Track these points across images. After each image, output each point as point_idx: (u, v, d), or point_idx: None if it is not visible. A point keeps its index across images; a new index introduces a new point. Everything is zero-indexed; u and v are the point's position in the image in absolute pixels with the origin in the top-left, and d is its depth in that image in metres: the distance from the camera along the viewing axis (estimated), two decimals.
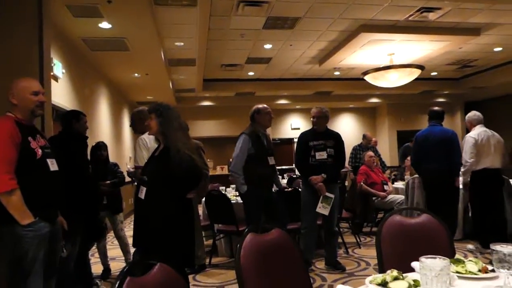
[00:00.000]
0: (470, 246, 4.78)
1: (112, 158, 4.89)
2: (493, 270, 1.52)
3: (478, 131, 4.71)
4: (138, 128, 3.88)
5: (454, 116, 12.58)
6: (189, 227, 2.61)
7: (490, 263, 1.46)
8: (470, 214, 5.10)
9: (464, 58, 8.73)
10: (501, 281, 1.43)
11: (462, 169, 4.68)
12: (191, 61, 7.55)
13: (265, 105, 4.16)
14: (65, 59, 5.17)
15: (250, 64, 8.67)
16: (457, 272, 1.57)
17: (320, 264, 4.45)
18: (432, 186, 4.75)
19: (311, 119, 4.31)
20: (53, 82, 4.45)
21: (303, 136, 4.37)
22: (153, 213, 2.50)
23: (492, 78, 10.08)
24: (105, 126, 7.46)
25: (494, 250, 1.38)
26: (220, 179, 8.87)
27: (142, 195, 2.54)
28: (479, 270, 1.57)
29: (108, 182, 4.16)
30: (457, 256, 1.71)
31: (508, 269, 1.36)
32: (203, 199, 5.03)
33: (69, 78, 5.36)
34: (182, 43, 6.53)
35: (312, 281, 3.87)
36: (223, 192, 5.38)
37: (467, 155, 4.60)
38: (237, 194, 4.75)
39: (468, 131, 4.92)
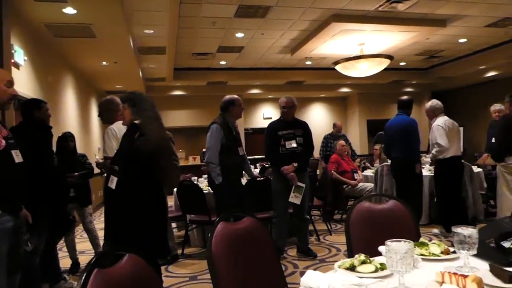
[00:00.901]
0: (435, 231, 4.98)
1: (80, 149, 4.74)
2: (454, 252, 1.59)
3: (443, 120, 4.87)
4: (106, 117, 3.77)
5: (422, 105, 12.91)
6: (162, 217, 2.57)
7: (452, 245, 1.52)
8: (435, 200, 5.29)
9: (431, 48, 8.96)
10: (461, 262, 1.49)
11: (434, 153, 4.78)
12: (162, 49, 7.40)
13: (237, 96, 4.17)
14: (27, 45, 4.94)
15: (222, 53, 8.59)
16: (421, 254, 1.63)
17: (292, 252, 4.52)
18: (397, 173, 4.96)
19: (281, 109, 4.33)
20: (14, 69, 4.26)
21: (272, 126, 4.39)
22: (125, 203, 2.45)
23: (458, 69, 10.43)
24: (72, 116, 7.23)
25: (455, 232, 1.44)
26: (193, 169, 8.80)
27: (112, 185, 2.48)
28: (442, 252, 1.63)
29: (76, 174, 4.03)
30: (421, 239, 1.78)
31: (467, 250, 1.42)
32: (175, 189, 4.98)
33: (32, 65, 5.13)
34: (151, 31, 6.37)
35: (284, 269, 3.95)
36: (196, 182, 5.34)
37: (442, 140, 4.70)
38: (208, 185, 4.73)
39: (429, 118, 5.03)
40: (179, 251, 4.59)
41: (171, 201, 6.18)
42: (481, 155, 6.44)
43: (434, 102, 5.02)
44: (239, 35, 7.31)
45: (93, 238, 4.29)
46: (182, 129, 11.75)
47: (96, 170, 4.42)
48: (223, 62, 9.48)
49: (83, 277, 1.17)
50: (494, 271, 1.36)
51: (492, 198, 5.73)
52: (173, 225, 5.73)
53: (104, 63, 7.36)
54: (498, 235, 1.63)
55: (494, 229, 1.70)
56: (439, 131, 4.77)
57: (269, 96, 12.30)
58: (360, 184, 6.06)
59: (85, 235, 4.53)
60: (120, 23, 5.30)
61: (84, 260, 4.43)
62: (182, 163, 11.28)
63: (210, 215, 4.35)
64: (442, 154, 4.74)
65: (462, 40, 8.31)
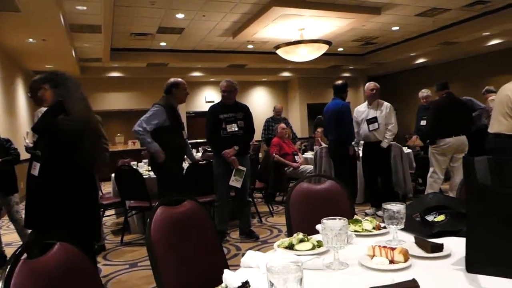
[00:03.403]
0: (368, 211, 5.27)
1: (4, 134, 4.38)
2: (385, 227, 1.70)
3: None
4: (39, 99, 3.50)
5: (358, 90, 13.51)
6: (92, 202, 2.45)
7: (384, 221, 1.62)
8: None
9: (367, 35, 9.34)
10: (391, 236, 1.60)
11: (389, 135, 5.00)
12: (96, 28, 6.97)
13: (182, 80, 4.06)
14: None
15: (162, 34, 8.30)
16: (355, 231, 1.72)
17: (235, 234, 4.57)
18: (333, 154, 5.22)
19: (222, 92, 4.30)
20: None
21: (213, 109, 4.35)
22: (50, 190, 2.30)
23: (391, 55, 11.00)
24: None
25: (385, 208, 1.54)
26: (132, 154, 8.51)
27: (35, 171, 2.31)
28: (374, 228, 1.73)
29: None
30: (356, 217, 1.87)
31: (396, 225, 1.52)
32: (113, 175, 4.80)
33: None
34: (84, 7, 5.97)
35: (227, 251, 4.00)
36: (135, 167, 5.17)
37: (396, 122, 5.02)
38: (150, 169, 4.61)
39: (369, 100, 5.21)
40: (119, 238, 4.45)
41: (109, 187, 5.97)
42: (411, 137, 6.89)
43: (375, 84, 5.12)
44: (180, 16, 7.09)
45: (20, 229, 4.01)
46: (121, 112, 11.27)
47: (25, 156, 4.11)
48: (163, 44, 9.16)
49: (7, 270, 1.08)
50: (419, 242, 1.47)
51: (420, 176, 6.18)
52: (112, 211, 5.55)
53: (30, 40, 6.79)
54: (423, 210, 1.77)
55: (420, 205, 1.83)
56: (394, 112, 5.03)
57: (211, 79, 12.16)
58: (301, 166, 6.24)
59: (12, 226, 4.23)
60: None
61: (11, 252, 4.15)
62: (120, 147, 10.91)
63: (151, 200, 4.25)
64: (394, 136, 5.04)
65: (395, 28, 8.74)
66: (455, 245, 1.43)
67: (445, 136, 4.72)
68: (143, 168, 5.22)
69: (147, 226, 1.66)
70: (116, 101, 11.04)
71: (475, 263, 1.23)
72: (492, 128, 3.72)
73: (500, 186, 1.22)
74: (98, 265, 3.72)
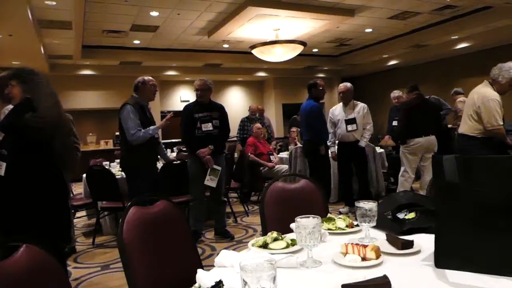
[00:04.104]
0: (342, 210, 5.35)
1: None
2: (357, 225, 1.72)
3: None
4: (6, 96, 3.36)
5: (333, 90, 13.69)
6: (62, 203, 2.38)
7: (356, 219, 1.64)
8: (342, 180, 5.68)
9: (341, 37, 9.48)
10: (363, 233, 1.62)
11: (368, 135, 5.08)
12: (67, 24, 6.78)
13: (150, 77, 3.98)
14: None
15: (135, 32, 8.15)
16: (329, 229, 1.74)
17: (210, 234, 4.54)
18: (306, 154, 5.30)
19: (195, 91, 4.27)
20: None
21: (188, 108, 4.31)
22: (17, 190, 2.21)
23: (364, 56, 11.21)
24: None
25: (358, 206, 1.56)
26: (104, 154, 8.31)
27: (1, 171, 2.22)
28: (347, 226, 1.76)
29: None
30: (329, 215, 1.89)
31: (368, 223, 1.55)
32: (84, 175, 4.67)
33: None
34: (54, 2, 5.79)
35: (201, 251, 3.97)
36: (107, 167, 5.06)
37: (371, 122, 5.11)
38: (120, 169, 4.52)
39: (344, 101, 5.28)
40: (90, 240, 4.34)
41: (80, 188, 5.81)
42: (384, 137, 7.04)
43: (349, 84, 5.18)
44: (154, 13, 6.99)
45: None
46: (93, 111, 11.00)
47: None
48: (137, 42, 9.01)
49: None
50: (390, 239, 1.51)
51: (392, 175, 6.33)
52: (83, 213, 5.41)
53: None
54: (394, 208, 1.81)
55: (391, 203, 1.87)
56: (369, 113, 5.11)
57: (186, 79, 12.05)
58: (277, 166, 6.26)
59: None
60: None
61: None
62: (92, 147, 10.65)
63: (124, 201, 4.17)
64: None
65: (368, 30, 8.91)
66: (425, 242, 1.47)
67: (415, 136, 4.85)
68: (116, 168, 5.12)
69: (119, 226, 1.63)
70: (88, 99, 10.76)
71: (443, 259, 1.27)
72: (460, 129, 3.87)
73: (466, 183, 1.26)
74: (68, 268, 3.62)
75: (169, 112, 11.89)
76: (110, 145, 10.64)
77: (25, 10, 5.46)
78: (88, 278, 3.45)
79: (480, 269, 1.19)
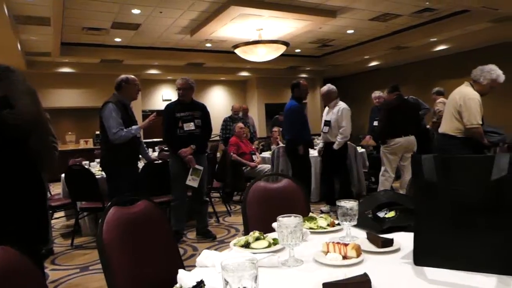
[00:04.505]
0: (323, 208, 5.40)
1: None
2: (339, 224, 1.74)
3: (345, 104, 5.20)
4: None
5: (315, 91, 13.80)
6: (39, 203, 2.31)
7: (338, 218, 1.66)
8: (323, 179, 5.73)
9: (323, 37, 9.56)
10: (344, 232, 1.64)
11: (341, 138, 5.07)
12: (45, 20, 6.62)
13: (133, 76, 3.93)
14: None
15: (116, 30, 8.03)
16: (310, 228, 1.75)
17: (192, 235, 4.51)
18: (287, 153, 5.32)
19: (177, 90, 4.23)
20: None
21: (170, 107, 4.27)
22: None
23: (346, 57, 11.33)
24: None
25: (339, 205, 1.57)
26: (84, 154, 8.16)
27: None
28: (328, 225, 1.77)
29: None
30: (311, 214, 1.90)
31: (349, 221, 1.56)
32: (63, 175, 4.58)
33: None
34: None
35: (183, 252, 3.94)
36: (87, 167, 4.97)
37: (348, 124, 5.06)
38: (101, 169, 4.44)
39: (324, 102, 5.36)
40: (69, 242, 4.26)
41: (58, 188, 5.69)
42: (365, 137, 7.13)
43: (330, 86, 5.25)
44: (136, 11, 6.90)
45: None
46: (72, 110, 10.79)
47: None
48: (118, 39, 8.87)
49: None
50: (371, 238, 1.52)
51: (373, 175, 6.41)
52: (62, 214, 5.30)
53: None
54: (375, 206, 1.83)
55: (372, 202, 1.89)
56: (348, 114, 5.09)
57: (168, 77, 11.94)
58: (259, 166, 6.27)
59: None
60: None
61: None
62: (72, 146, 10.44)
63: (104, 201, 4.10)
64: (347, 139, 5.13)
65: (350, 31, 9.01)
66: (405, 240, 1.49)
67: (395, 136, 4.93)
68: (96, 168, 5.03)
69: (99, 227, 1.60)
70: (67, 98, 10.54)
71: (422, 256, 1.29)
72: (441, 128, 3.93)
73: (445, 182, 1.28)
74: (46, 270, 3.54)
75: (150, 111, 11.84)
76: (90, 145, 10.45)
77: (1, 5, 5.32)
78: (66, 280, 3.38)
79: (458, 266, 1.22)
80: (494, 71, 3.63)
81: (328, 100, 5.23)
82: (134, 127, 3.78)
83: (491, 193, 1.21)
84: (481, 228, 1.22)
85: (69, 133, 10.72)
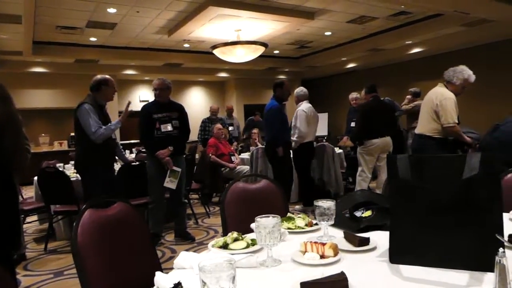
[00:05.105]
0: (297, 207, 5.45)
1: None
2: (317, 224, 1.75)
3: (307, 106, 5.31)
4: None
5: (293, 92, 13.84)
6: (8, 207, 2.24)
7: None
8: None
9: (301, 39, 9.64)
10: (322, 232, 1.65)
11: (295, 138, 5.19)
12: (16, 18, 6.42)
13: (111, 77, 3.87)
14: None
15: (92, 29, 7.86)
16: (288, 228, 1.75)
17: (170, 237, 4.46)
18: (266, 154, 5.34)
19: (153, 91, 4.19)
20: None
21: (146, 108, 4.22)
22: None
23: (324, 59, 11.45)
24: None
25: (316, 205, 1.58)
26: (58, 156, 7.96)
27: None
28: (306, 225, 1.78)
29: None
30: (289, 214, 1.91)
31: (327, 221, 1.58)
32: (35, 178, 4.45)
33: None
34: None
35: (161, 254, 3.89)
36: (61, 169, 4.84)
37: (302, 126, 5.14)
38: (75, 171, 4.33)
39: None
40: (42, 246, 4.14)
41: (31, 192, 5.53)
42: (342, 137, 7.23)
43: (299, 89, 5.45)
44: (112, 10, 6.78)
45: None
46: (46, 110, 10.50)
47: None
48: (93, 39, 8.69)
49: None
50: (347, 237, 1.54)
51: (351, 175, 6.51)
52: (35, 217, 5.15)
53: None
54: (352, 206, 1.85)
55: (349, 201, 1.92)
56: (302, 116, 5.20)
57: (146, 78, 11.78)
58: (238, 167, 6.26)
59: None
60: None
61: None
62: (45, 148, 10.15)
63: (79, 204, 4.01)
64: (303, 139, 5.19)
65: (327, 33, 9.12)
66: (381, 238, 1.52)
67: (372, 137, 5.01)
68: (71, 170, 4.91)
69: (73, 230, 1.57)
70: (40, 98, 10.25)
71: (397, 255, 1.32)
72: (417, 129, 4.01)
73: (418, 181, 1.31)
74: (18, 276, 3.43)
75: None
76: (65, 146, 10.19)
77: None
78: (40, 286, 3.28)
79: (432, 264, 1.25)
80: (466, 71, 3.75)
81: (296, 102, 5.43)
82: (113, 122, 3.75)
83: (462, 192, 1.25)
84: (453, 226, 1.26)
85: (43, 134, 10.43)
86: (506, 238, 1.30)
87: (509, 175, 2.13)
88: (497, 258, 0.98)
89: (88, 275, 1.48)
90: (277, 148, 5.02)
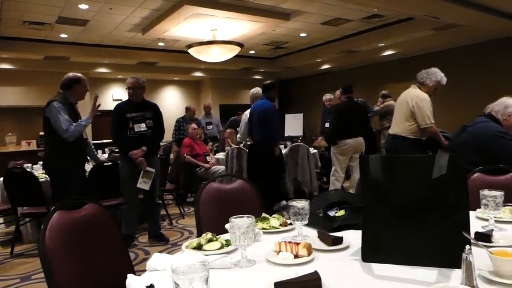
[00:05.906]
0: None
1: None
2: (291, 224, 1.76)
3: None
4: None
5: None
6: None
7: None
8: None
9: (277, 40, 9.68)
10: (296, 232, 1.66)
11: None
12: None
13: (83, 76, 3.77)
14: None
15: (62, 25, 7.62)
16: (263, 228, 1.76)
17: (143, 238, 4.39)
18: (259, 154, 5.07)
19: (127, 89, 4.11)
20: None
21: (119, 107, 4.14)
22: None
23: (299, 60, 11.54)
24: None
25: (291, 205, 1.59)
26: (26, 156, 7.69)
27: None
28: (280, 225, 1.79)
29: None
30: (263, 215, 1.91)
31: (301, 221, 1.59)
32: (1, 179, 4.29)
33: None
34: None
35: (135, 256, 3.83)
36: (29, 170, 4.68)
37: (241, 129, 5.28)
38: (44, 172, 4.20)
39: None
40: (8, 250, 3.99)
41: None
42: (317, 138, 7.31)
43: (255, 89, 5.43)
44: (83, 6, 6.60)
45: None
46: (12, 109, 10.12)
47: None
48: (64, 35, 8.44)
49: None
50: (321, 236, 1.56)
51: (325, 175, 6.59)
52: (0, 220, 4.95)
53: None
54: (325, 205, 1.88)
55: (323, 201, 1.94)
56: (244, 119, 5.28)
57: (119, 76, 11.53)
58: (213, 167, 6.22)
59: None
60: None
61: None
62: (13, 148, 9.78)
63: (48, 206, 3.88)
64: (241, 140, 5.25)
65: (303, 34, 9.19)
66: (354, 237, 1.54)
67: (345, 137, 5.09)
68: (39, 171, 4.76)
69: (41, 232, 1.51)
70: (6, 96, 9.86)
71: (369, 253, 1.34)
72: (392, 130, 4.09)
73: (390, 181, 1.34)
74: None
75: (100, 111, 11.37)
76: (34, 146, 9.83)
77: None
78: None
79: (402, 261, 1.28)
80: (438, 73, 3.86)
81: (251, 102, 5.47)
82: (83, 118, 3.68)
83: (431, 191, 1.29)
84: (423, 224, 1.29)
85: (9, 134, 10.04)
86: (472, 235, 1.34)
87: (475, 175, 2.21)
88: (463, 255, 1.01)
89: (56, 279, 1.43)
90: (275, 147, 4.98)
